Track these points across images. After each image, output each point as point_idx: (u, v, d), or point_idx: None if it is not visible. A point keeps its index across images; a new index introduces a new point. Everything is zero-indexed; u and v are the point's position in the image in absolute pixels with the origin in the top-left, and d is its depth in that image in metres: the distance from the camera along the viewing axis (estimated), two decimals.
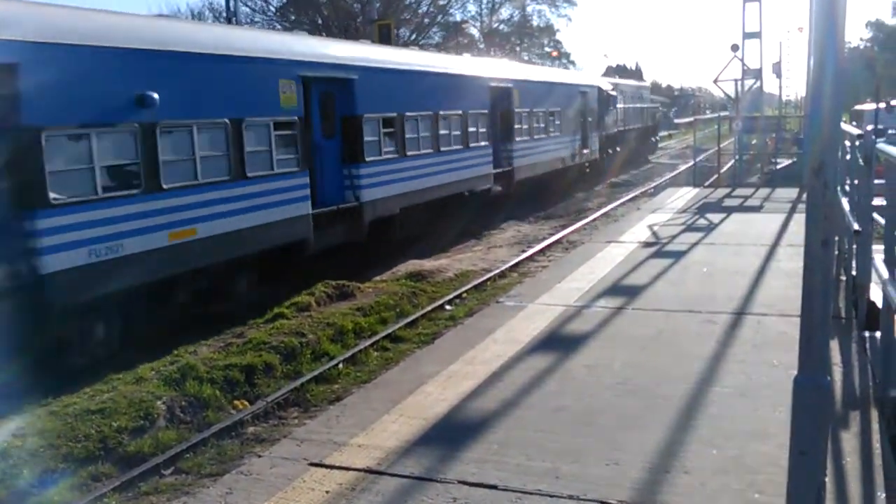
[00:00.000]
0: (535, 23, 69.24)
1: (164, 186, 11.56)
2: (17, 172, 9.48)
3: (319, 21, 46.15)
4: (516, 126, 25.45)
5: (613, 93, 37.61)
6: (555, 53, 69.16)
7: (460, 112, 21.64)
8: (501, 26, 66.49)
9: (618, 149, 38.22)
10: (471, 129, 22.20)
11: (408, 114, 18.64)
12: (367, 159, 16.87)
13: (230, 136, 12.86)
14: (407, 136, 18.65)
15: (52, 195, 9.82)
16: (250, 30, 18.71)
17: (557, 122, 29.41)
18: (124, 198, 10.93)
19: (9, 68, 9.36)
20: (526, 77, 27.56)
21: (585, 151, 32.75)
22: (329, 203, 15.95)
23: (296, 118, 14.58)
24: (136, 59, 11.29)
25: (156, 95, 11.20)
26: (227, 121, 12.83)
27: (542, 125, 27.96)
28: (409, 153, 18.74)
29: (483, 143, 23.10)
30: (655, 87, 67.19)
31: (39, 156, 9.66)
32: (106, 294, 10.62)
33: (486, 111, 23.31)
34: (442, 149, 20.43)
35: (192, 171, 12.10)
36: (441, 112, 20.37)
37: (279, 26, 45.16)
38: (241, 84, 13.31)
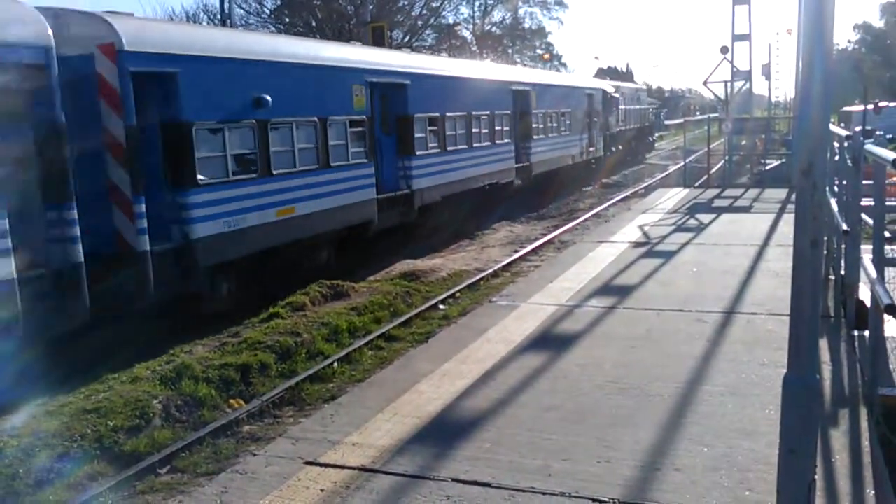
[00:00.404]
0: (527, 25, 69.43)
1: (274, 172, 14.04)
2: (176, 158, 12.03)
3: (313, 23, 46.10)
4: (534, 125, 27.84)
5: (616, 95, 40.01)
6: (546, 56, 69.25)
7: (489, 112, 23.92)
8: (494, 29, 66.58)
9: (619, 147, 40.60)
10: (497, 128, 24.53)
11: (448, 114, 21.14)
12: (417, 153, 19.38)
13: (318, 132, 15.40)
14: (447, 133, 21.15)
15: (199, 177, 12.25)
16: (329, 43, 21.63)
17: (568, 122, 31.71)
18: (246, 181, 13.41)
19: (170, 76, 11.88)
20: (541, 81, 30.44)
21: (592, 149, 35.05)
22: (388, 190, 18.44)
23: (364, 117, 17.10)
24: (255, 69, 13.72)
25: (269, 98, 13.59)
26: (316, 119, 15.30)
27: (556, 125, 30.31)
28: (448, 148, 21.19)
29: (507, 141, 25.40)
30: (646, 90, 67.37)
31: (191, 145, 12.12)
32: (233, 258, 13.08)
33: (509, 112, 25.58)
34: (474, 145, 22.87)
35: (292, 160, 14.63)
36: (473, 113, 22.82)
37: (273, 28, 45.13)
38: (326, 88, 15.90)
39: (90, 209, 10.55)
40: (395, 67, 18.89)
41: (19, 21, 9.73)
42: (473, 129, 22.72)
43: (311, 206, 15.11)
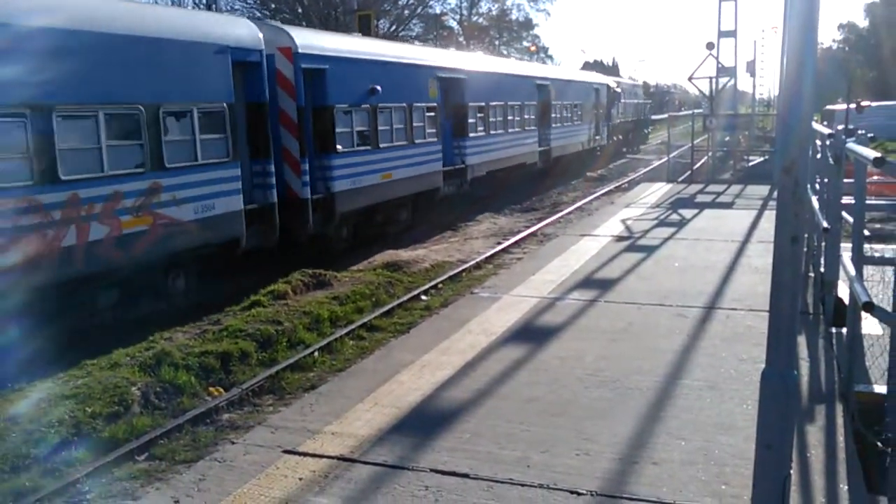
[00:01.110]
0: (513, 16, 69.41)
1: (380, 146, 18.78)
2: (323, 132, 16.53)
3: (299, 10, 45.84)
4: (553, 115, 32.13)
5: (618, 90, 44.25)
6: (533, 48, 69.27)
7: (520, 103, 28.46)
8: (480, 20, 66.50)
9: (619, 136, 45.05)
10: (525, 116, 29.14)
11: (491, 103, 25.66)
12: (470, 135, 23.94)
13: (406, 116, 19.96)
14: (490, 119, 25.64)
15: (338, 146, 16.81)
16: (409, 44, 29.61)
17: (580, 114, 36.22)
18: (364, 151, 18.08)
19: (322, 71, 16.27)
20: (559, 77, 35.16)
21: (598, 137, 39.28)
22: (448, 164, 22.81)
23: (436, 104, 21.70)
24: (370, 66, 18.28)
25: (379, 88, 18.03)
26: (405, 105, 19.86)
27: (570, 115, 34.79)
28: (491, 132, 25.81)
29: (532, 128, 29.91)
30: None
31: (333, 123, 16.66)
32: (355, 209, 17.66)
33: (535, 103, 30.12)
34: (509, 130, 27.43)
35: (391, 136, 19.17)
36: (509, 103, 27.32)
37: (259, 14, 44.81)
38: (411, 81, 20.48)
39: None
40: (454, 65, 23.57)
41: (246, 31, 14.47)
42: (509, 117, 27.33)
43: (402, 174, 19.68)
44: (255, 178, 14.59)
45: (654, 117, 61.09)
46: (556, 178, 31.68)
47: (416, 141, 20.40)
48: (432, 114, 21.39)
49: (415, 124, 20.31)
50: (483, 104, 24.83)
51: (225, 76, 13.44)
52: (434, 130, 21.53)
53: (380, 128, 18.56)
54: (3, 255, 9.53)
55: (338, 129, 16.73)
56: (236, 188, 13.64)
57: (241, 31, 14.32)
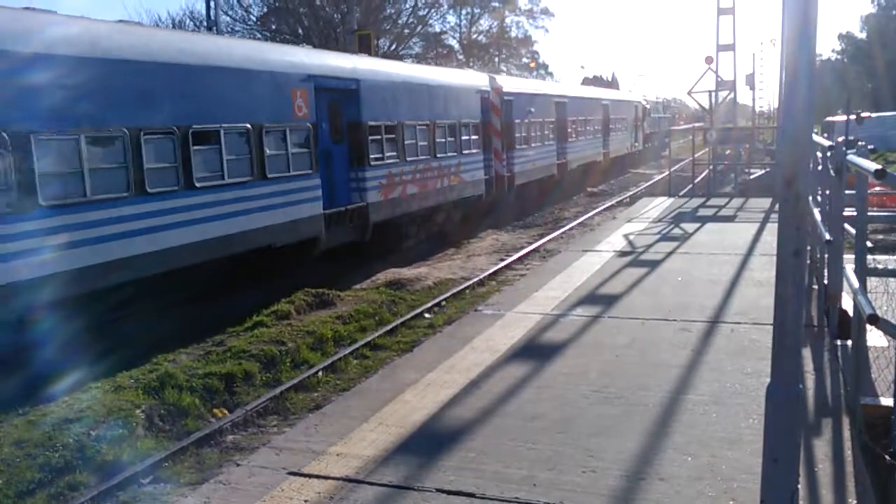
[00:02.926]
0: (513, 34, 69.63)
1: (532, 144, 28.57)
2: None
3: (300, 31, 46.09)
4: (610, 126, 41.21)
5: (648, 106, 55.66)
6: (532, 64, 69.48)
7: (596, 117, 38.24)
8: (480, 37, 66.76)
9: (649, 144, 54.92)
10: (596, 128, 38.18)
11: (581, 118, 35.13)
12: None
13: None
14: (581, 129, 35.01)
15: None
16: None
17: (626, 125, 46.26)
18: (525, 148, 27.18)
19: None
20: (614, 98, 44.85)
21: (636, 144, 49.48)
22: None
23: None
24: (534, 97, 27.39)
25: (533, 109, 26.28)
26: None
27: (620, 126, 44.27)
28: (580, 138, 34.48)
29: (599, 136, 39.13)
30: None
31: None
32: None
33: (600, 117, 38.92)
34: (591, 137, 36.65)
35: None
36: (588, 117, 36.54)
37: (259, 36, 45.05)
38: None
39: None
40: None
41: (486, 80, 25.96)
42: (588, 128, 36.34)
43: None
44: (486, 162, 25.30)
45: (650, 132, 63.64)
46: (611, 173, 41.47)
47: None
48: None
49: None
50: (583, 118, 35.74)
51: (478, 104, 24.74)
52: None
53: (532, 133, 28.70)
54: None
55: (516, 135, 27.07)
56: (480, 166, 24.78)
57: (483, 80, 26.00)
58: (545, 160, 30.30)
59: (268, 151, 14.63)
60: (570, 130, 33.25)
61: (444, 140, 22.26)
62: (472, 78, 25.82)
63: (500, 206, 26.76)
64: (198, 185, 12.94)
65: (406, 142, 19.97)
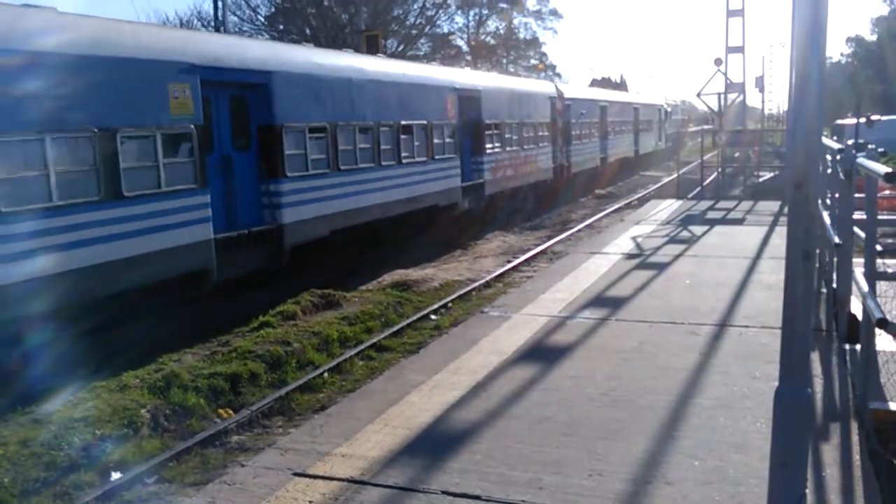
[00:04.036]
0: (521, 35, 69.60)
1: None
2: (566, 133, 32.00)
3: (308, 31, 46.14)
4: (640, 127, 46.92)
5: (669, 109, 60.97)
6: (540, 66, 69.41)
7: (628, 119, 44.05)
8: (488, 38, 66.74)
9: (669, 143, 58.48)
10: (627, 129, 43.94)
11: (618, 119, 41.29)
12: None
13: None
14: (616, 129, 40.90)
15: (572, 140, 32.66)
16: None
17: (652, 126, 51.86)
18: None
19: (569, 106, 31.48)
20: (645, 102, 50.77)
21: (660, 142, 55.10)
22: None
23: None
24: (588, 103, 34.09)
25: (583, 112, 29.91)
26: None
27: (648, 127, 50.06)
28: (616, 136, 41.19)
29: (631, 135, 44.94)
30: None
31: (570, 128, 32.44)
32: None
33: (631, 119, 44.88)
34: (624, 136, 43.44)
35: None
36: (623, 119, 42.74)
37: (267, 35, 45.14)
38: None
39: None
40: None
41: (553, 88, 32.20)
42: (619, 129, 41.43)
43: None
44: (553, 153, 30.76)
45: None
46: (640, 167, 46.68)
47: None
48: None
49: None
50: (619, 120, 41.17)
51: (548, 108, 30.24)
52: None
53: (583, 131, 34.54)
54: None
55: (572, 132, 32.53)
56: (549, 155, 30.48)
57: (551, 88, 31.96)
58: (592, 154, 36.07)
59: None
60: (609, 130, 38.64)
61: (530, 135, 28.10)
62: (545, 87, 32.25)
63: (562, 190, 31.79)
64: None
65: (506, 135, 25.76)
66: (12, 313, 9.57)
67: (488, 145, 24.11)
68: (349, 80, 17.27)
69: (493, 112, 24.60)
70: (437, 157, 21.06)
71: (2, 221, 9.51)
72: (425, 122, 20.53)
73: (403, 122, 19.27)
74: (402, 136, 19.21)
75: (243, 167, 14.29)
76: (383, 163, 18.24)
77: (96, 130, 10.88)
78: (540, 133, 29.11)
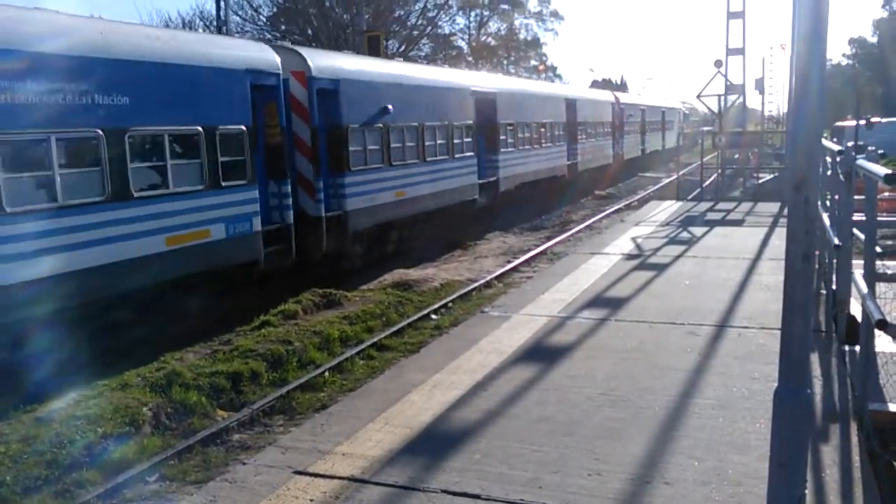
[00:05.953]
0: (522, 36, 69.57)
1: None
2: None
3: (309, 31, 46.14)
4: (665, 129, 55.63)
5: (686, 112, 69.57)
6: (542, 67, 69.42)
7: (654, 119, 51.29)
8: (489, 40, 66.71)
9: (687, 141, 65.91)
10: (651, 129, 50.25)
11: (629, 121, 44.08)
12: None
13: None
14: (645, 129, 48.12)
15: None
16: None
17: (672, 127, 59.51)
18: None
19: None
20: (666, 105, 59.24)
21: (680, 140, 60.87)
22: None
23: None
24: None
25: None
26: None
27: (671, 128, 58.19)
28: (646, 135, 48.41)
29: (658, 134, 52.73)
30: None
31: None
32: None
33: (658, 119, 52.72)
34: (651, 135, 51.05)
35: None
36: (649, 119, 49.89)
37: (269, 35, 45.12)
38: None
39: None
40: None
41: (610, 96, 43.14)
42: (647, 130, 49.01)
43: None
44: (614, 145, 40.06)
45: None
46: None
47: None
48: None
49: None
50: (650, 120, 49.61)
51: (609, 111, 38.71)
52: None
53: (629, 129, 43.86)
54: None
55: (625, 129, 41.97)
56: (611, 147, 38.84)
57: (610, 96, 41.90)
58: (637, 146, 46.58)
59: None
60: (644, 128, 48.25)
61: (594, 132, 36.58)
62: (608, 95, 41.79)
63: (620, 169, 40.73)
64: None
65: (584, 132, 33.94)
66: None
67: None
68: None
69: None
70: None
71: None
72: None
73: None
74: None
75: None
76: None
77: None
78: (602, 130, 37.52)
